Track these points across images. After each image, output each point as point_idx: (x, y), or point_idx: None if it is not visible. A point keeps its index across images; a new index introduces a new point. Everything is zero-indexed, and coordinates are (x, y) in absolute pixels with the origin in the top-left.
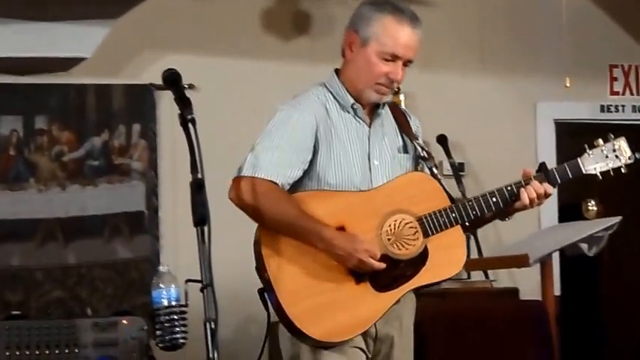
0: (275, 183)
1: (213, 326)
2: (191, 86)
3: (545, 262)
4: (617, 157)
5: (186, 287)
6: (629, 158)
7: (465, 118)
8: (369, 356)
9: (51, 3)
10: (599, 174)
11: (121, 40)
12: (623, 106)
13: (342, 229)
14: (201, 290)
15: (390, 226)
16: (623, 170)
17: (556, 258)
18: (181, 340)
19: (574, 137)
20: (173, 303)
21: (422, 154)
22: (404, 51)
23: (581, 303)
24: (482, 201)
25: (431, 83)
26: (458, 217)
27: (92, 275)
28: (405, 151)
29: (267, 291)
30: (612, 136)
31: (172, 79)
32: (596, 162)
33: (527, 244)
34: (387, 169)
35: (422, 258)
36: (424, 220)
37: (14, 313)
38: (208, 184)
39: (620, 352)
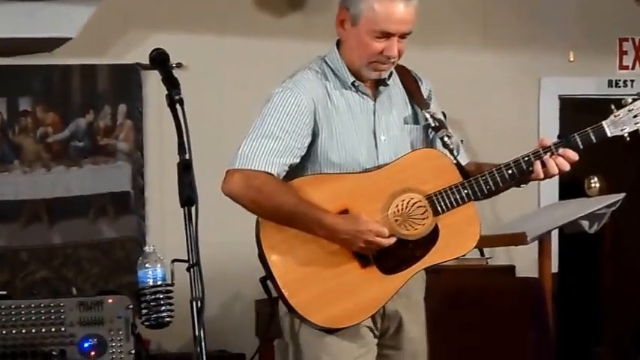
0: (270, 173)
1: (199, 305)
2: (179, 65)
3: (543, 240)
4: None
5: (173, 267)
6: None
7: (465, 94)
8: (377, 333)
9: None
10: (626, 135)
11: (106, 20)
12: (632, 80)
13: (345, 212)
14: (188, 270)
15: (397, 206)
16: None
17: (554, 235)
18: (167, 319)
19: (579, 113)
20: (159, 282)
21: (432, 124)
22: (397, 26)
23: (578, 280)
24: (496, 174)
25: (430, 58)
26: (470, 193)
27: (78, 255)
28: (415, 121)
29: (269, 279)
30: None
31: (160, 59)
32: (623, 124)
33: (526, 221)
34: (395, 143)
35: (432, 237)
36: (434, 198)
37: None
38: (196, 164)
39: (617, 331)
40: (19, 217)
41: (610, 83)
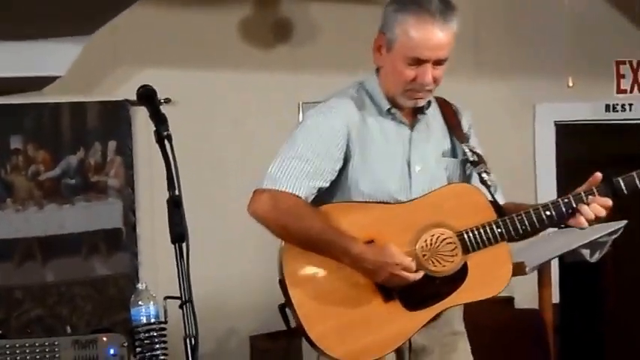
0: (298, 196)
1: (193, 342)
2: (167, 101)
3: (542, 269)
4: None
5: (166, 304)
6: None
7: None
8: None
9: (23, 22)
10: None
11: (95, 57)
12: (631, 104)
13: (371, 242)
14: (180, 307)
15: (425, 241)
16: None
17: (554, 264)
18: (161, 357)
19: (576, 139)
20: (152, 320)
21: (470, 159)
22: (430, 53)
23: (580, 312)
24: (533, 215)
25: None
26: (504, 232)
27: (71, 293)
28: (453, 154)
29: (289, 307)
30: None
31: (147, 95)
32: None
33: (524, 250)
34: (431, 174)
35: (460, 276)
36: (464, 236)
37: None
38: (186, 198)
39: None
40: (13, 255)
41: (607, 108)
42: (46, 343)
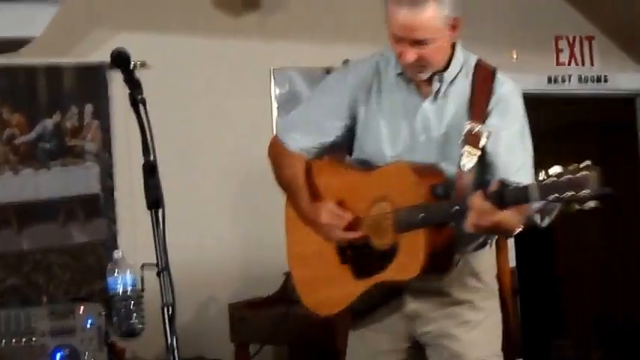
0: (285, 146)
1: (170, 312)
2: (143, 64)
3: None
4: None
5: (143, 273)
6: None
7: None
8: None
9: None
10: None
11: (70, 19)
12: (570, 75)
13: (341, 204)
14: (158, 275)
15: (374, 212)
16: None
17: None
18: (139, 326)
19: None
20: (129, 289)
21: (462, 137)
22: (401, 32)
23: (536, 275)
24: (444, 208)
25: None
26: (427, 217)
27: (48, 261)
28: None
29: None
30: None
31: (121, 59)
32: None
33: None
34: (438, 146)
35: (392, 253)
36: (398, 214)
37: None
38: (161, 163)
39: (577, 323)
40: None
41: (549, 79)
42: (22, 314)
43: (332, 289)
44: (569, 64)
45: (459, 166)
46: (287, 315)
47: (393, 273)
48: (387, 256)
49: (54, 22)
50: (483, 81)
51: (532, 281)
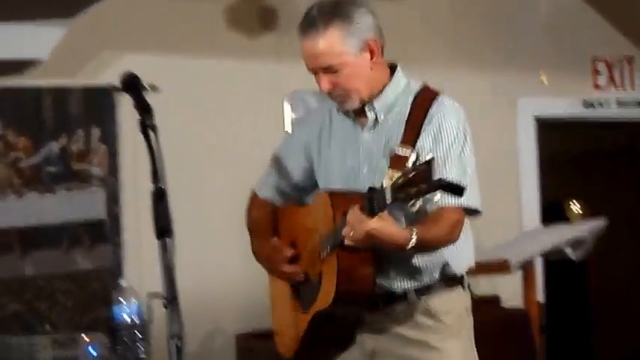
0: (256, 195)
1: (179, 343)
2: (153, 87)
3: (527, 268)
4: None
5: (149, 301)
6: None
7: None
8: None
9: (3, 3)
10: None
11: (78, 41)
12: (607, 99)
13: (294, 242)
14: (165, 306)
15: (310, 245)
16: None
17: (539, 262)
18: (144, 357)
19: (556, 134)
20: (134, 318)
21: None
22: (309, 62)
23: (566, 310)
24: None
25: None
26: (334, 240)
27: (51, 287)
28: None
29: None
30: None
31: (131, 83)
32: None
33: (508, 248)
34: (380, 175)
35: (320, 282)
36: (321, 243)
37: None
38: (170, 188)
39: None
40: None
41: (585, 104)
42: (23, 342)
43: (289, 328)
44: (607, 87)
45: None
46: None
47: (320, 302)
48: (318, 286)
49: (61, 43)
50: (422, 104)
51: (561, 316)
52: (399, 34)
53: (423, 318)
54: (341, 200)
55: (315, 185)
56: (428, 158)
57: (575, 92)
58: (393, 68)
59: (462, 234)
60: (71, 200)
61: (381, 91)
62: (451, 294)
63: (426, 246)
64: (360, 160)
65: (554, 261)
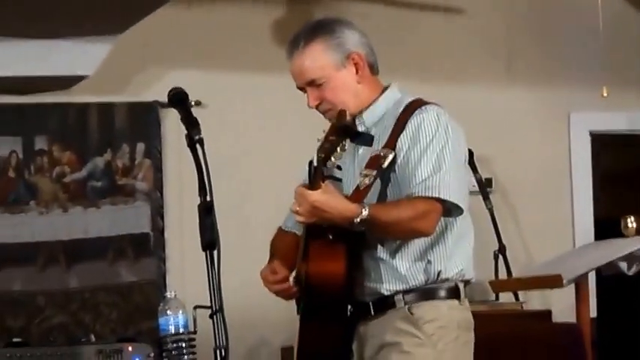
0: (281, 228)
1: (223, 354)
2: (198, 103)
3: (580, 283)
4: None
5: (195, 313)
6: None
7: (492, 131)
8: None
9: (51, 20)
10: None
11: (124, 57)
12: None
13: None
14: (211, 316)
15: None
16: None
17: (592, 277)
18: None
19: (611, 150)
20: (181, 330)
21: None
22: (296, 80)
23: (619, 326)
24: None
25: (456, 95)
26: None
27: (96, 300)
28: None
29: None
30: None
31: (178, 99)
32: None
33: (561, 263)
34: (378, 189)
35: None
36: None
37: (15, 340)
38: (216, 203)
39: None
40: (36, 259)
41: None
42: (69, 352)
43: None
44: None
45: (357, 186)
46: None
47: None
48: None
49: (107, 59)
50: (406, 112)
51: (614, 331)
52: (454, 49)
53: (403, 323)
54: None
55: None
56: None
57: (629, 107)
58: (387, 86)
59: (453, 237)
60: (116, 214)
61: (370, 104)
62: (440, 305)
63: (381, 225)
64: (355, 175)
65: (608, 276)
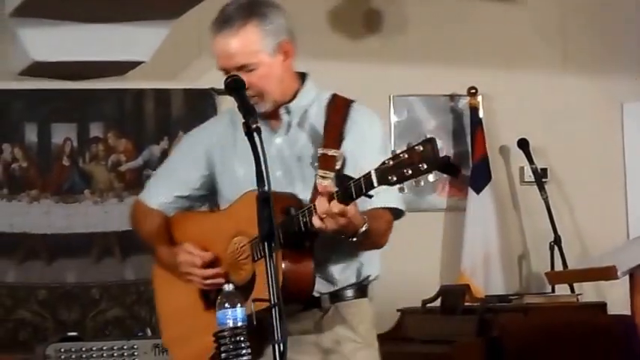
0: (145, 204)
1: (282, 348)
2: None
3: (634, 274)
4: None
5: (253, 307)
6: (427, 164)
7: (547, 121)
8: None
9: (106, 5)
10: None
11: (180, 43)
12: None
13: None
14: (269, 310)
15: (230, 249)
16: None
17: None
18: None
19: None
20: (239, 324)
21: (316, 162)
22: (222, 61)
23: None
24: (293, 222)
25: (510, 84)
26: (283, 235)
27: (152, 293)
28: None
29: None
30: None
31: (235, 86)
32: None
33: (615, 254)
34: (294, 179)
35: (252, 284)
36: (254, 244)
37: (70, 334)
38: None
39: None
40: (90, 251)
41: None
42: (124, 347)
43: (199, 340)
44: None
45: (315, 188)
46: (401, 353)
47: (254, 304)
48: (247, 289)
49: (163, 45)
50: (338, 109)
51: None
52: (510, 38)
53: (341, 328)
54: (276, 199)
55: (212, 194)
56: (420, 142)
57: None
58: (303, 76)
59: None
60: None
61: (295, 95)
62: (362, 303)
63: (369, 238)
64: (273, 165)
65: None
